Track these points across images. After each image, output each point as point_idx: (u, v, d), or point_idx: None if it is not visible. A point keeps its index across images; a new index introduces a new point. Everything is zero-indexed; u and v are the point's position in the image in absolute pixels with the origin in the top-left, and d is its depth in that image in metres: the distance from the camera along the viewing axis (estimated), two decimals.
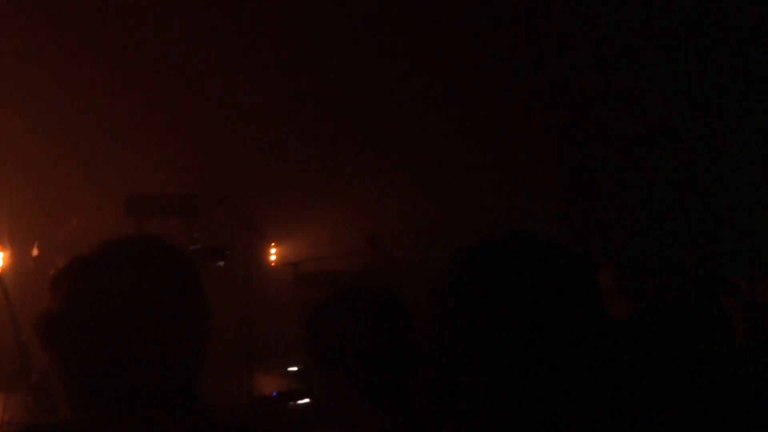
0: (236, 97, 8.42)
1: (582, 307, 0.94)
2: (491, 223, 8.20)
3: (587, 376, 0.92)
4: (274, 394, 5.63)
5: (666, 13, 7.64)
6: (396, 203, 8.73)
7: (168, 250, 1.18)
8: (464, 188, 8.87)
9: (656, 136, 8.00)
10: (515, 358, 0.90)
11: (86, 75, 7.51)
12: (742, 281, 3.48)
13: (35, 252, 7.36)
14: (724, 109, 7.54)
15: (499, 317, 0.92)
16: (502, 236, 1.02)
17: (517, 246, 1.00)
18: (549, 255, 0.97)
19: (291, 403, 4.67)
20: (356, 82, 8.70)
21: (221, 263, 5.67)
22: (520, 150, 8.84)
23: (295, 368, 6.85)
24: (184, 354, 1.14)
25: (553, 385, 0.90)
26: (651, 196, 7.92)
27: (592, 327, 0.94)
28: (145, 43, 7.79)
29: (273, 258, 9.15)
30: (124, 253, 1.14)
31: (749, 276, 3.49)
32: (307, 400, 4.57)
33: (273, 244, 9.08)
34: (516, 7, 8.22)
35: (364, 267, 6.76)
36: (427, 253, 7.67)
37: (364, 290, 1.65)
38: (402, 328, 1.56)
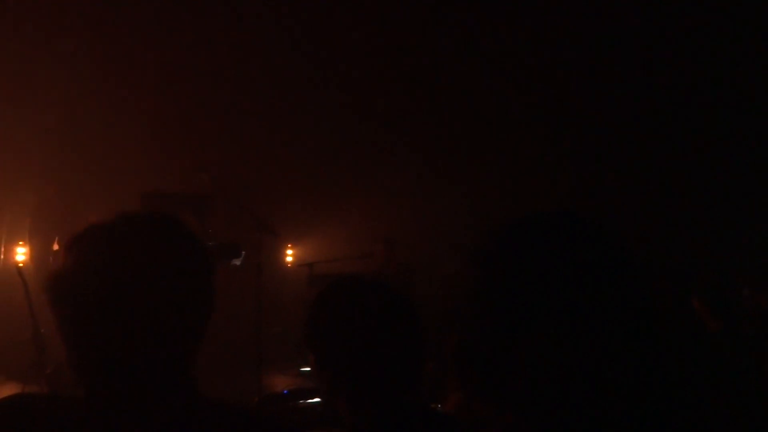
0: (254, 99, 8.48)
1: (629, 284, 0.89)
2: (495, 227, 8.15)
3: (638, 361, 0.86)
4: (285, 392, 5.61)
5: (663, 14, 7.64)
6: (410, 207, 8.72)
7: (181, 229, 1.17)
8: (477, 193, 8.86)
9: (657, 139, 8.00)
10: (565, 338, 0.85)
11: (107, 75, 7.61)
12: (744, 288, 3.46)
13: (56, 247, 7.45)
14: (725, 111, 7.50)
15: (551, 294, 0.86)
16: (545, 213, 0.96)
17: (566, 222, 0.94)
18: (598, 233, 0.92)
19: (301, 401, 4.70)
20: (373, 85, 8.73)
21: (237, 262, 5.64)
22: (531, 155, 8.84)
23: (307, 368, 6.70)
24: (185, 330, 1.12)
25: (601, 366, 0.85)
26: (653, 200, 7.91)
27: (639, 307, 0.88)
28: (164, 43, 7.87)
29: (289, 259, 9.20)
30: (139, 225, 1.15)
31: (751, 283, 3.47)
32: (317, 400, 4.60)
33: (289, 245, 9.14)
34: (523, 14, 8.25)
35: (378, 269, 6.73)
36: (439, 257, 7.70)
37: (368, 282, 1.58)
38: (402, 324, 1.49)
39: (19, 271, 5.11)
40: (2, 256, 7.75)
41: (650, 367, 0.87)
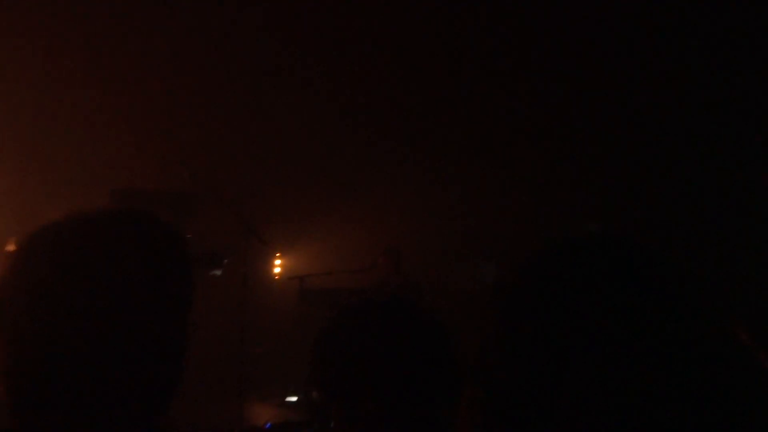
0: (243, 93, 8.41)
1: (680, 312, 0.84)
2: (511, 238, 8.15)
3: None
4: (267, 425, 5.44)
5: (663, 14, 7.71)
6: (414, 214, 8.54)
7: (151, 230, 1.03)
8: (482, 203, 8.80)
9: (682, 143, 7.98)
10: (607, 381, 0.81)
11: (81, 68, 7.58)
12: None
13: (11, 248, 7.01)
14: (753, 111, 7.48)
15: (591, 333, 0.82)
16: (578, 238, 0.92)
17: (602, 247, 0.90)
18: (639, 258, 0.87)
19: None
20: (372, 88, 8.69)
21: (217, 272, 5.46)
22: (542, 164, 8.79)
23: (293, 398, 6.62)
24: (154, 359, 0.98)
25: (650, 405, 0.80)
26: (677, 205, 7.85)
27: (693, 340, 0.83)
28: (147, 37, 7.85)
29: (277, 270, 8.85)
30: (97, 226, 1.00)
31: None
32: None
33: (277, 254, 8.80)
34: (525, 13, 8.29)
35: (380, 284, 6.47)
36: (447, 270, 7.60)
37: (385, 303, 1.45)
38: (432, 347, 1.39)
39: None
40: None
41: (702, 410, 0.82)
